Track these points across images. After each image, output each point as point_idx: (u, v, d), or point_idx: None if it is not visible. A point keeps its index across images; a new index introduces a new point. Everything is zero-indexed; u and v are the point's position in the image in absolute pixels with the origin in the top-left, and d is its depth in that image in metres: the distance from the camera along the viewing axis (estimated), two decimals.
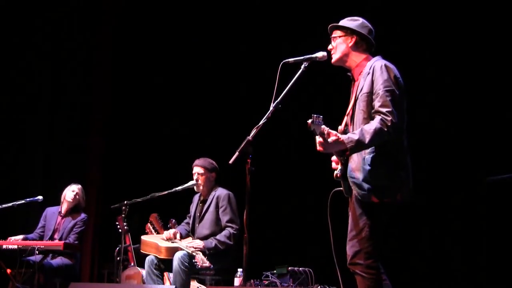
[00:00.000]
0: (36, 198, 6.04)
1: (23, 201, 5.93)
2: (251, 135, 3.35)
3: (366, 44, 3.57)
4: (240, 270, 5.17)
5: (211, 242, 5.01)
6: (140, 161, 7.73)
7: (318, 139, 3.28)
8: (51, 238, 5.94)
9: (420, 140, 5.30)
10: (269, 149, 6.38)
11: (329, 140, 3.22)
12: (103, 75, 8.00)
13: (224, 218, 5.16)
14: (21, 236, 5.86)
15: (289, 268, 5.27)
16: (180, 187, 5.34)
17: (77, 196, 6.12)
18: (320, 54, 3.57)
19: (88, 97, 7.97)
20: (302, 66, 3.53)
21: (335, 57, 3.61)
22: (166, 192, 5.33)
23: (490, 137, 5.76)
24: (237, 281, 5.17)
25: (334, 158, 3.58)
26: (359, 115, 3.40)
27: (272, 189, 6.79)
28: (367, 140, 3.20)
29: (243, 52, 7.26)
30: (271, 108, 3.42)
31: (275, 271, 5.32)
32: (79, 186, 6.19)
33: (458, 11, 6.02)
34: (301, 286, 5.15)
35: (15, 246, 5.49)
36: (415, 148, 3.61)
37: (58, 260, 5.80)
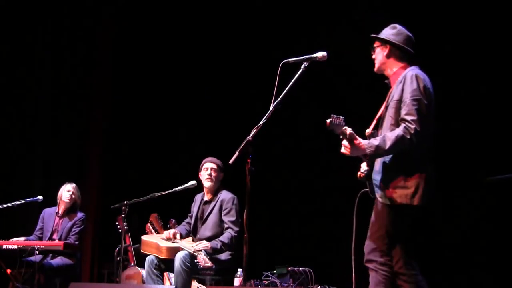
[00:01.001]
0: (36, 198, 6.04)
1: (23, 201, 5.93)
2: (251, 135, 3.36)
3: (401, 53, 3.66)
4: (240, 270, 5.17)
5: (217, 243, 5.01)
6: (140, 161, 7.73)
7: (344, 142, 3.40)
8: (50, 238, 5.93)
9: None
10: (269, 149, 6.38)
11: (355, 142, 3.36)
12: (103, 75, 8.00)
13: (227, 220, 5.16)
14: (22, 238, 5.86)
15: (289, 268, 5.27)
16: (180, 187, 5.34)
17: (73, 196, 6.12)
18: (320, 54, 3.57)
19: (88, 97, 7.97)
20: (302, 66, 3.55)
21: (376, 66, 3.73)
22: (166, 192, 5.32)
23: (490, 137, 5.76)
24: (237, 281, 5.17)
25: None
26: (387, 121, 3.52)
27: (272, 189, 6.79)
28: (387, 146, 3.32)
29: (243, 52, 7.25)
30: (271, 108, 3.42)
31: (275, 271, 5.32)
32: (73, 185, 6.18)
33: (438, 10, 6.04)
34: (301, 286, 5.15)
35: (15, 246, 5.48)
36: None
37: (58, 260, 5.80)
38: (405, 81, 3.49)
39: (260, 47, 7.07)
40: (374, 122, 3.58)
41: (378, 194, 3.46)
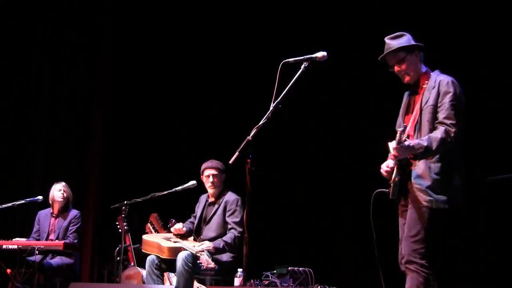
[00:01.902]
0: (36, 198, 6.04)
1: (23, 201, 5.93)
2: (251, 135, 3.36)
3: (422, 56, 3.74)
4: (240, 270, 5.17)
5: (219, 243, 5.02)
6: (140, 161, 7.73)
7: (393, 145, 3.44)
8: (47, 239, 5.94)
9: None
10: (269, 149, 6.37)
11: (405, 144, 3.41)
12: (104, 75, 8.00)
13: (230, 221, 5.17)
14: (23, 240, 5.86)
15: (289, 268, 5.27)
16: (180, 187, 5.34)
17: (65, 194, 6.13)
18: (320, 54, 3.57)
19: (88, 97, 7.97)
20: (302, 66, 3.54)
21: (412, 77, 3.71)
22: (166, 192, 5.32)
23: (489, 137, 5.76)
24: (237, 281, 5.17)
25: (387, 164, 3.69)
26: (425, 126, 3.58)
27: (272, 189, 6.79)
28: (434, 147, 3.43)
29: (243, 52, 7.25)
30: (271, 108, 3.42)
31: (275, 271, 5.32)
32: (63, 183, 6.19)
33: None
34: (301, 286, 5.15)
35: (15, 246, 5.49)
36: None
37: (58, 260, 5.80)
38: (441, 87, 3.59)
39: (260, 47, 7.07)
40: (408, 127, 3.57)
41: (424, 198, 3.49)
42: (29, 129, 7.71)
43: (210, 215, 5.28)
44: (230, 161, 3.33)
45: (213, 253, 4.90)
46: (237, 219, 5.15)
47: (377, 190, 3.73)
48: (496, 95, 5.79)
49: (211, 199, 5.35)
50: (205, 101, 7.57)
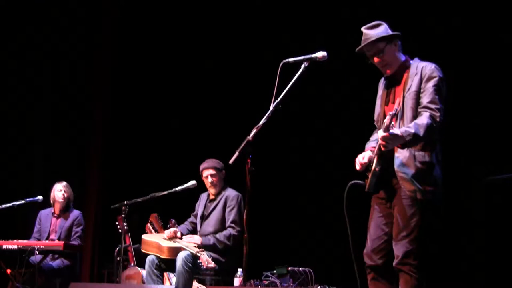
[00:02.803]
0: (36, 198, 6.05)
1: (23, 201, 5.93)
2: (251, 135, 3.35)
3: (400, 44, 3.67)
4: (240, 270, 5.17)
5: (209, 239, 5.02)
6: (140, 161, 7.73)
7: (382, 133, 3.30)
8: (47, 239, 5.94)
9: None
10: (269, 149, 6.37)
11: (394, 132, 3.28)
12: (103, 75, 8.00)
13: (228, 218, 5.17)
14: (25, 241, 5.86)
15: (289, 268, 5.27)
16: (180, 187, 5.34)
17: (66, 194, 6.12)
18: (320, 54, 3.56)
19: (88, 97, 7.97)
20: (302, 66, 3.53)
21: (392, 68, 3.63)
22: (166, 192, 5.33)
23: (490, 137, 5.75)
24: (237, 281, 5.17)
25: (363, 156, 3.60)
26: (408, 112, 3.48)
27: (272, 189, 6.79)
28: (421, 133, 3.32)
29: (243, 52, 7.25)
30: (271, 108, 3.42)
31: (275, 271, 5.33)
32: (63, 183, 6.18)
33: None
34: (301, 286, 5.15)
35: (15, 246, 5.49)
36: None
37: (58, 262, 5.80)
38: (424, 71, 3.50)
39: (260, 47, 7.07)
40: (389, 117, 3.36)
41: (409, 188, 3.38)
42: (29, 129, 7.71)
43: (210, 211, 5.28)
44: (230, 161, 3.32)
45: (200, 247, 4.88)
46: (234, 217, 5.15)
47: (352, 182, 3.68)
48: (495, 95, 5.78)
49: (212, 196, 5.36)
50: (205, 101, 7.57)
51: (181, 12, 7.69)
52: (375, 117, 3.72)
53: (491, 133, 5.76)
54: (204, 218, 5.32)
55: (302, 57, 3.55)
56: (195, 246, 4.89)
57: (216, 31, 7.50)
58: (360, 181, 3.63)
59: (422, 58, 3.68)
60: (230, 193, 5.26)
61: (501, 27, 5.77)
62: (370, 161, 3.55)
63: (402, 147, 3.41)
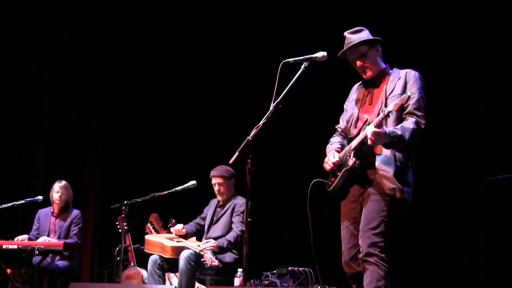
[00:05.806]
0: (36, 198, 6.04)
1: (23, 201, 5.93)
2: (251, 135, 3.36)
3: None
4: (240, 270, 5.17)
5: (223, 242, 5.02)
6: (140, 161, 7.73)
7: (375, 129, 3.33)
8: None
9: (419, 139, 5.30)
10: (269, 149, 6.37)
11: (384, 129, 3.33)
12: (104, 75, 7.99)
13: (235, 221, 5.19)
14: (25, 236, 5.86)
15: (289, 268, 5.27)
16: (180, 187, 5.34)
17: (62, 196, 6.11)
18: (320, 54, 3.57)
19: (88, 97, 7.97)
20: (302, 66, 3.54)
21: (374, 71, 3.67)
22: (166, 192, 5.33)
23: (490, 137, 5.76)
24: (237, 281, 5.17)
25: (332, 155, 3.68)
26: (391, 115, 3.49)
27: (272, 189, 6.79)
28: (407, 137, 3.38)
29: (243, 52, 7.25)
30: (271, 108, 3.42)
31: (275, 271, 5.33)
32: (63, 182, 6.16)
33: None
34: (301, 286, 5.15)
35: (15, 246, 5.49)
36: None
37: (64, 262, 5.81)
38: (408, 77, 3.57)
39: (260, 47, 7.07)
40: (382, 114, 3.40)
41: (387, 186, 3.43)
42: (29, 128, 7.70)
43: (219, 216, 5.30)
44: (230, 161, 3.33)
45: (216, 252, 4.90)
46: (240, 219, 5.16)
47: (315, 180, 3.74)
48: (495, 95, 5.79)
49: (221, 203, 5.38)
50: (205, 101, 7.57)
51: (181, 13, 7.69)
52: (346, 118, 3.78)
53: (491, 133, 5.76)
54: (212, 223, 5.34)
55: (302, 57, 3.56)
56: (213, 250, 4.87)
57: (216, 31, 7.50)
58: (323, 180, 3.69)
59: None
60: (239, 201, 5.26)
61: (501, 27, 5.78)
62: (340, 159, 3.63)
63: (386, 147, 3.46)
